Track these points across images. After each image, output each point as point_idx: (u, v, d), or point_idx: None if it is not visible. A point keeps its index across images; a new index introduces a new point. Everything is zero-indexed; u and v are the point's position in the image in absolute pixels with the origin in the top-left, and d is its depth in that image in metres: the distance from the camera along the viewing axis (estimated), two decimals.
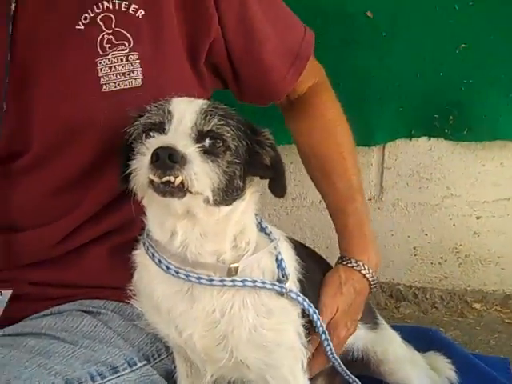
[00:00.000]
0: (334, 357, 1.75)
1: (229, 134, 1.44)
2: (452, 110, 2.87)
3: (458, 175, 3.06)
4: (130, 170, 1.41)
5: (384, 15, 2.74)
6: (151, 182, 1.34)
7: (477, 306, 3.13)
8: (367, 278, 1.87)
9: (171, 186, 1.33)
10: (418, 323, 3.00)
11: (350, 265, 1.86)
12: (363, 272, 1.86)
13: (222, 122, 1.43)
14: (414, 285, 3.22)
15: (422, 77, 2.84)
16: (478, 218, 3.10)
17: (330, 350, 1.73)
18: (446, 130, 2.93)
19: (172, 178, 1.32)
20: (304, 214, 3.20)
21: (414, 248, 3.19)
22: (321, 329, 1.68)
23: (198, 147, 1.38)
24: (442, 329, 2.93)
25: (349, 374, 1.84)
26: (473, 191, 3.08)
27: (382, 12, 2.73)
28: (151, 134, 1.42)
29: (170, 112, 1.43)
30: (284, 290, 1.54)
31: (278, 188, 1.58)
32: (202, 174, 1.36)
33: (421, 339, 2.37)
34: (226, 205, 1.45)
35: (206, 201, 1.39)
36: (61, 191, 1.74)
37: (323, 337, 1.69)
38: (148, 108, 1.49)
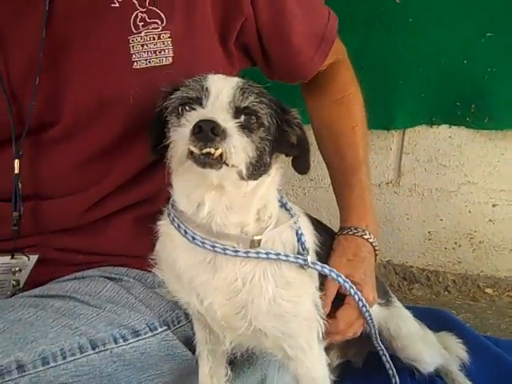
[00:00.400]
0: (371, 319, 1.84)
1: (263, 112, 1.49)
2: (474, 98, 2.90)
3: (477, 163, 3.10)
4: (167, 141, 1.47)
5: (412, 1, 2.78)
6: (191, 152, 1.38)
7: (489, 290, 3.18)
8: (370, 242, 1.92)
9: (211, 158, 1.37)
10: (429, 305, 3.03)
11: (350, 232, 1.91)
12: (365, 237, 1.91)
13: (258, 100, 1.49)
14: (427, 268, 3.28)
15: (446, 63, 2.87)
16: (493, 205, 3.14)
17: (367, 312, 1.81)
18: (468, 118, 2.96)
19: (212, 150, 1.36)
20: (321, 195, 3.26)
21: (429, 232, 3.25)
22: (356, 297, 1.75)
23: (236, 122, 1.43)
24: (453, 311, 2.96)
25: (379, 341, 1.93)
26: (490, 179, 3.12)
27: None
28: (187, 107, 1.47)
29: (206, 88, 1.47)
30: (307, 263, 1.60)
31: (302, 165, 1.63)
32: (239, 147, 1.41)
33: (432, 319, 2.41)
34: (254, 179, 1.50)
35: (240, 174, 1.44)
36: (89, 162, 1.79)
37: (356, 297, 1.76)
38: (181, 83, 1.53)
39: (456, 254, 3.24)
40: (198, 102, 1.47)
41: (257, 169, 1.48)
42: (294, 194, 3.29)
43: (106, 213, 1.83)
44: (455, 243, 3.22)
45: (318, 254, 1.71)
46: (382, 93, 2.87)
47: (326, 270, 1.67)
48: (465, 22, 2.80)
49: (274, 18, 1.88)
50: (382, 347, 1.95)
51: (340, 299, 1.80)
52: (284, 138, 1.57)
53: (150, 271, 1.71)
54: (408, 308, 2.28)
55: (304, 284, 1.63)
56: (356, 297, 1.76)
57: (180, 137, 1.41)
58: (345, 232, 1.92)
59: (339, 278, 1.70)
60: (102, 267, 1.84)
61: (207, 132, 1.35)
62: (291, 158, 1.64)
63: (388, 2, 2.77)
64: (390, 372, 1.96)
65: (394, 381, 1.96)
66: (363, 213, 1.97)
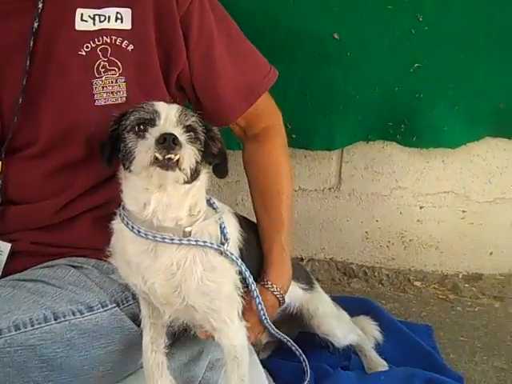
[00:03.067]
0: (267, 322, 2.12)
1: (199, 129, 1.83)
2: (404, 119, 3.15)
3: (406, 170, 3.36)
4: (123, 153, 1.79)
5: (349, 37, 2.96)
6: (156, 158, 1.66)
7: (417, 283, 3.43)
8: (275, 295, 2.17)
9: (171, 162, 1.68)
10: (365, 296, 3.26)
11: (266, 285, 2.17)
12: (275, 293, 2.17)
13: (195, 120, 1.83)
14: (364, 264, 3.53)
15: (380, 91, 3.07)
16: (421, 207, 3.42)
17: (264, 314, 2.09)
18: (398, 136, 3.21)
19: (173, 156, 1.67)
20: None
21: (366, 232, 3.50)
22: (252, 285, 2.02)
23: (186, 136, 1.75)
24: (383, 301, 3.25)
25: (280, 333, 2.23)
26: (417, 184, 3.38)
27: (348, 34, 2.96)
28: (142, 126, 1.77)
29: (157, 111, 1.78)
30: (223, 250, 1.88)
31: (221, 171, 1.97)
32: (188, 156, 1.71)
33: (356, 306, 2.80)
34: (189, 183, 1.79)
35: (185, 177, 1.73)
36: (59, 174, 2.12)
37: (252, 287, 2.02)
38: (130, 110, 1.85)
39: (390, 251, 3.49)
40: (152, 122, 1.77)
41: (192, 174, 1.77)
42: (247, 198, 3.26)
43: (72, 214, 2.16)
44: (389, 242, 3.49)
45: (240, 249, 1.99)
46: (323, 117, 3.13)
47: (234, 257, 1.93)
48: (397, 55, 3.00)
49: (203, 72, 2.20)
50: (284, 336, 2.25)
51: None
52: (208, 150, 1.89)
53: (106, 260, 1.99)
54: (340, 297, 2.67)
55: (226, 268, 1.92)
56: (253, 290, 2.03)
57: (144, 147, 1.70)
58: (262, 283, 2.17)
59: (246, 272, 1.97)
60: (68, 257, 2.15)
61: (170, 142, 1.66)
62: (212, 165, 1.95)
63: (328, 38, 2.95)
64: (297, 353, 2.29)
65: (301, 358, 2.29)
66: (282, 272, 2.21)
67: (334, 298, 2.56)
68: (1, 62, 2.09)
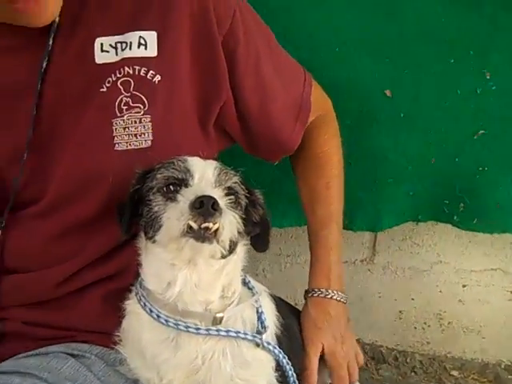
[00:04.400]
0: None
1: (241, 192, 1.59)
2: (463, 198, 2.74)
3: (449, 243, 3.09)
4: (146, 219, 1.54)
5: (403, 95, 2.61)
6: (190, 228, 1.43)
7: (455, 373, 3.15)
8: (335, 299, 1.97)
9: (209, 233, 1.43)
10: None
11: (315, 295, 1.97)
12: (328, 297, 1.97)
13: (236, 180, 1.59)
14: (396, 348, 3.26)
15: (437, 162, 2.69)
16: (464, 286, 3.14)
17: None
18: (455, 217, 2.78)
19: (211, 225, 1.43)
20: (297, 272, 3.23)
21: (400, 312, 3.23)
22: (291, 379, 1.74)
23: (227, 200, 1.52)
24: None
25: None
26: (461, 259, 3.11)
27: (402, 91, 2.60)
28: (172, 187, 1.53)
29: (189, 169, 1.55)
30: (261, 341, 1.63)
31: (262, 243, 1.70)
32: (229, 225, 1.48)
33: None
34: (224, 257, 1.54)
35: (223, 251, 1.50)
36: (66, 237, 1.82)
37: (290, 373, 1.73)
38: (157, 165, 1.61)
39: (425, 334, 3.23)
40: (184, 182, 1.53)
41: (231, 246, 1.53)
42: (270, 270, 3.29)
43: (77, 287, 1.84)
44: (425, 323, 3.22)
45: (277, 337, 1.72)
46: (369, 191, 2.75)
47: (276, 351, 1.68)
48: (458, 118, 2.63)
49: (256, 96, 1.95)
50: None
51: None
52: (248, 217, 1.63)
53: (113, 348, 1.71)
54: None
55: (261, 364, 1.65)
56: (290, 373, 1.75)
57: (176, 212, 1.46)
58: (310, 295, 1.99)
59: (284, 360, 1.70)
60: (66, 343, 1.83)
61: (208, 207, 1.41)
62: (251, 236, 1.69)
63: (379, 95, 2.60)
64: None
65: None
66: (326, 271, 2.01)
67: None
68: (7, 106, 1.81)
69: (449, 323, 3.20)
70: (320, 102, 2.17)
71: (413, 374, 3.20)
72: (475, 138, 2.63)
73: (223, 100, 1.90)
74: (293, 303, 3.20)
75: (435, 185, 2.72)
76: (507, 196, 2.68)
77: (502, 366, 3.18)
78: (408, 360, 3.22)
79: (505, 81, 2.55)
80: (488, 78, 2.54)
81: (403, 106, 2.61)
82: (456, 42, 2.51)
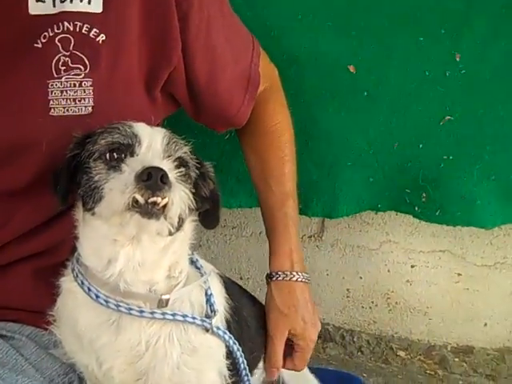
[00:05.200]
0: None
1: (191, 163, 1.46)
2: (426, 187, 2.59)
3: (398, 223, 3.03)
4: (100, 188, 1.37)
5: (368, 73, 2.44)
6: (136, 202, 1.29)
7: (401, 353, 3.13)
8: (302, 281, 1.88)
9: (156, 208, 1.30)
10: (342, 366, 3.00)
11: (279, 278, 1.88)
12: (293, 279, 1.87)
13: (187, 151, 1.46)
14: (343, 326, 3.22)
15: (400, 147, 2.53)
16: (412, 266, 3.11)
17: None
18: (416, 208, 2.64)
19: (159, 199, 1.30)
20: (242, 244, 3.16)
21: (347, 290, 3.18)
22: (244, 371, 1.64)
23: (177, 172, 1.39)
24: (364, 374, 2.94)
25: None
26: (410, 240, 3.07)
27: (366, 69, 2.43)
28: (116, 154, 1.39)
29: (135, 135, 1.41)
30: (211, 326, 1.51)
31: (211, 220, 1.58)
32: (179, 199, 1.35)
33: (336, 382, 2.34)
34: (171, 235, 1.41)
35: (171, 227, 1.37)
36: None
37: (245, 378, 1.65)
38: (100, 130, 1.45)
39: (372, 313, 3.19)
40: (129, 149, 1.39)
41: (178, 223, 1.40)
42: (214, 241, 3.18)
43: (4, 261, 1.69)
44: (372, 302, 3.18)
45: (227, 322, 1.61)
46: (327, 176, 2.58)
47: (227, 336, 1.57)
48: (425, 102, 2.48)
49: (206, 65, 1.81)
50: None
51: None
52: (198, 192, 1.51)
53: (47, 329, 1.58)
54: (321, 370, 2.21)
55: (210, 351, 1.54)
56: (244, 375, 1.66)
57: (120, 184, 1.32)
58: (274, 278, 1.89)
59: (234, 346, 1.60)
60: None
61: (156, 180, 1.28)
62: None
63: (341, 71, 2.43)
64: None
65: None
66: (287, 252, 1.91)
67: (311, 370, 2.12)
68: None
69: (396, 303, 3.16)
70: (267, 72, 2.05)
71: (359, 353, 3.17)
72: (441, 124, 2.49)
73: (173, 65, 1.74)
74: (237, 277, 3.20)
75: (397, 172, 2.57)
76: (472, 187, 2.55)
77: (448, 348, 3.16)
78: (355, 339, 3.19)
79: (476, 65, 2.42)
80: (458, 60, 2.41)
81: (367, 84, 2.45)
82: (427, 18, 2.37)
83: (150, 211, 1.30)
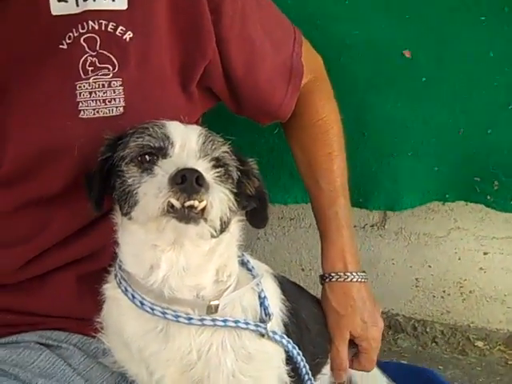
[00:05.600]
0: None
1: (232, 163, 1.40)
2: (498, 174, 2.41)
3: (467, 208, 2.89)
4: (134, 192, 1.32)
5: (425, 56, 2.29)
6: (171, 206, 1.23)
7: (479, 344, 3.03)
8: (355, 281, 1.79)
9: (194, 212, 1.24)
10: (415, 358, 2.91)
11: (333, 280, 1.79)
12: (347, 280, 1.78)
13: (226, 150, 1.39)
14: (413, 317, 3.13)
15: (466, 133, 2.37)
16: (485, 253, 2.98)
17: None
18: (488, 197, 2.47)
19: (196, 203, 1.23)
20: (302, 236, 3.08)
21: (416, 279, 3.09)
22: (306, 376, 1.55)
23: (214, 173, 1.32)
24: (440, 366, 2.85)
25: None
26: (481, 226, 2.95)
27: (424, 52, 2.29)
28: (148, 157, 1.33)
29: (168, 136, 1.35)
30: (266, 331, 1.43)
31: (259, 218, 1.51)
32: (218, 202, 1.29)
33: (418, 382, 2.22)
34: (215, 237, 1.34)
35: (212, 231, 1.30)
36: (24, 214, 1.62)
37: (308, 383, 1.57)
38: (131, 130, 1.39)
39: (445, 303, 3.09)
40: (161, 151, 1.34)
41: (222, 225, 1.33)
42: (273, 233, 3.11)
43: (43, 270, 1.66)
44: (444, 291, 3.08)
45: (285, 325, 1.53)
46: (387, 166, 2.44)
47: (284, 341, 1.49)
48: (491, 84, 2.30)
49: (243, 57, 1.74)
50: None
51: None
52: (242, 190, 1.45)
53: (94, 337, 1.54)
54: (390, 365, 2.14)
55: (267, 356, 1.46)
56: (307, 380, 1.58)
57: (153, 188, 1.26)
58: (327, 280, 1.80)
59: (294, 350, 1.52)
60: (39, 331, 1.66)
61: (192, 182, 1.21)
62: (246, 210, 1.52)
63: (396, 57, 2.28)
64: None
65: None
66: (340, 251, 1.83)
67: (381, 366, 2.01)
68: None
69: (470, 292, 3.05)
70: (311, 63, 1.97)
71: (433, 344, 3.07)
72: (510, 107, 2.31)
73: (208, 59, 1.68)
74: (299, 269, 3.16)
75: (464, 160, 2.41)
76: None
77: None
78: (428, 330, 3.09)
79: None
80: None
81: (425, 69, 2.30)
82: None
83: (187, 216, 1.24)
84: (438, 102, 2.33)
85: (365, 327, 1.77)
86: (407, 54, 2.27)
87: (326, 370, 1.78)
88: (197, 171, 1.23)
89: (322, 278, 1.83)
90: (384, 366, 2.02)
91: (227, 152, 1.39)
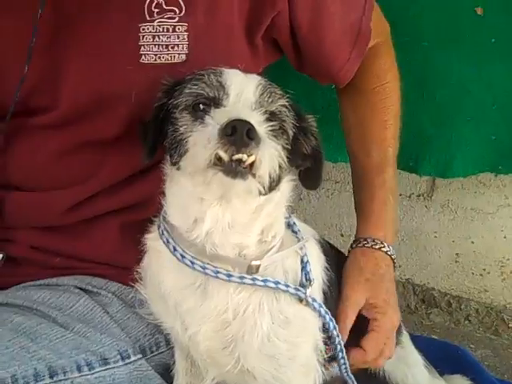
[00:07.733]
0: (348, 375, 1.59)
1: (288, 119, 1.35)
2: None
3: None
4: (171, 141, 1.31)
5: (498, 16, 2.20)
6: (219, 158, 1.19)
7: None
8: (389, 255, 1.73)
9: (242, 167, 1.20)
10: (447, 335, 2.87)
11: (367, 245, 1.72)
12: (383, 249, 1.72)
13: (283, 104, 1.34)
14: (449, 292, 3.07)
15: None
16: None
17: (346, 368, 1.56)
18: None
19: (245, 157, 1.19)
20: (346, 200, 3.03)
21: (457, 254, 3.02)
22: (338, 346, 1.51)
23: (268, 127, 1.27)
24: (472, 345, 2.80)
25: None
26: None
27: (497, 11, 2.19)
28: (202, 106, 1.29)
29: (225, 85, 1.31)
30: (305, 296, 1.40)
31: (312, 179, 1.47)
32: (269, 158, 1.24)
33: (447, 358, 2.20)
34: (264, 194, 1.31)
35: (261, 187, 1.27)
36: (77, 156, 1.62)
37: (340, 355, 1.53)
38: (187, 77, 1.35)
39: (483, 281, 3.01)
40: (215, 101, 1.30)
41: (271, 183, 1.29)
42: (316, 195, 3.08)
43: (91, 214, 1.67)
44: (484, 270, 3.00)
45: (324, 294, 1.50)
46: (443, 131, 2.40)
47: (323, 310, 1.45)
48: None
49: (311, 13, 1.68)
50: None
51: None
52: (297, 148, 1.40)
53: (133, 286, 1.53)
54: (423, 341, 2.11)
55: (305, 323, 1.43)
56: (339, 351, 1.53)
57: (203, 138, 1.22)
58: (361, 244, 1.74)
59: (331, 323, 1.47)
60: (79, 275, 1.68)
61: (242, 135, 1.17)
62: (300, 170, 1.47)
63: (467, 14, 2.20)
64: None
65: None
66: (383, 220, 1.78)
67: (411, 339, 1.97)
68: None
69: (511, 272, 2.97)
70: (379, 28, 1.91)
71: (466, 322, 3.02)
72: None
73: (277, 10, 1.63)
74: (338, 234, 3.13)
75: None
76: None
77: None
78: (462, 307, 3.04)
79: None
80: None
81: (495, 29, 2.22)
82: None
83: (234, 170, 1.19)
84: (505, 67, 2.25)
85: (387, 302, 1.66)
86: (479, 11, 2.19)
87: None
88: (249, 123, 1.19)
89: (356, 241, 1.77)
90: (414, 340, 1.96)
91: (285, 106, 1.34)
